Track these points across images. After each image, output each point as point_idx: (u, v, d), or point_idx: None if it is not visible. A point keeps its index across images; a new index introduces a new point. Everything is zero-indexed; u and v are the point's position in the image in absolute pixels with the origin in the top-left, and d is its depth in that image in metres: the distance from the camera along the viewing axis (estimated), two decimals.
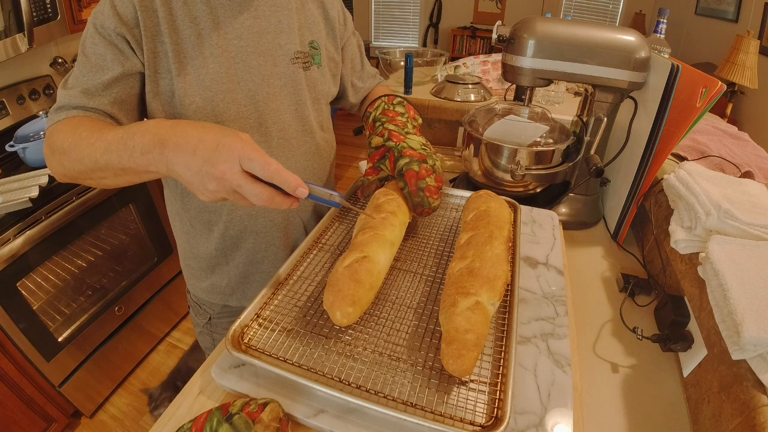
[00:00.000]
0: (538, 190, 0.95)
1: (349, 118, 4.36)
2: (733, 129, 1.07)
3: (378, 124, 0.79)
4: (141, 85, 0.66)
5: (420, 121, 0.84)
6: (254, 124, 0.72)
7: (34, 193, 1.34)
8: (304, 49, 0.76)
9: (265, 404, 0.44)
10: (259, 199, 0.49)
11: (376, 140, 0.77)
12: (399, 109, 0.82)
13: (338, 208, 0.70)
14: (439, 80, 1.50)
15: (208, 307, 0.90)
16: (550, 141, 0.89)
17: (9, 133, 1.53)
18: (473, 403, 0.45)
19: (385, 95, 0.86)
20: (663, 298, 0.71)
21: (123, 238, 1.73)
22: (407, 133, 0.76)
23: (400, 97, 0.85)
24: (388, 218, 0.63)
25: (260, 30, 0.70)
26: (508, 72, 0.86)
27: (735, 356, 0.48)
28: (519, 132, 0.90)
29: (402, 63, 1.54)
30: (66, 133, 0.58)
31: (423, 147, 0.73)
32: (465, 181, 1.04)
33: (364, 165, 1.06)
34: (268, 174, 0.48)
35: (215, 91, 0.67)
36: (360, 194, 0.79)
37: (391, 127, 0.77)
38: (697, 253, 0.65)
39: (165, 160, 0.49)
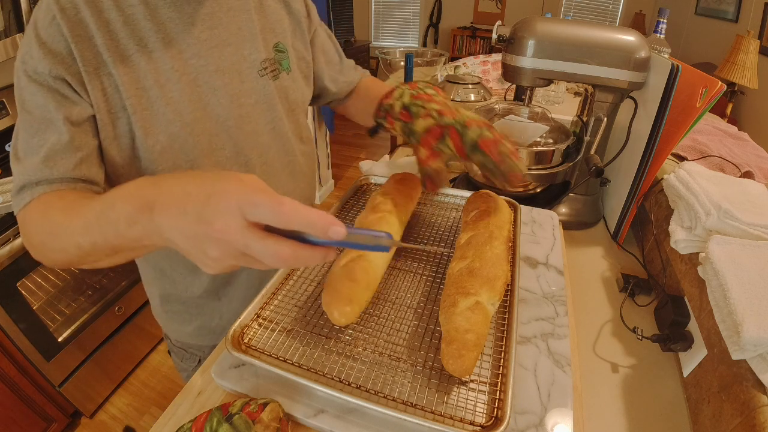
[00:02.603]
0: (538, 190, 0.95)
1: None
2: (733, 129, 1.07)
3: (415, 108, 0.66)
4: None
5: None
6: (230, 154, 0.64)
7: None
8: (269, 55, 0.68)
9: (265, 404, 0.44)
10: (278, 259, 0.34)
11: (422, 123, 0.63)
12: (429, 91, 0.69)
13: (386, 252, 0.52)
14: (439, 80, 1.50)
15: (196, 350, 0.83)
16: (550, 141, 0.89)
17: (9, 133, 1.53)
18: (473, 403, 0.45)
19: (400, 85, 0.75)
20: (663, 298, 0.71)
21: None
22: (456, 108, 0.65)
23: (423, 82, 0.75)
24: (385, 217, 0.63)
25: (220, 42, 0.61)
26: (508, 72, 0.86)
27: (735, 356, 0.48)
28: (519, 132, 0.90)
29: (402, 63, 1.54)
30: (38, 223, 0.50)
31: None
32: (465, 181, 1.04)
33: (364, 165, 1.05)
34: (284, 218, 0.33)
35: (180, 125, 0.58)
36: (430, 187, 0.66)
37: (436, 107, 0.64)
38: (697, 253, 0.65)
39: (156, 228, 0.37)
